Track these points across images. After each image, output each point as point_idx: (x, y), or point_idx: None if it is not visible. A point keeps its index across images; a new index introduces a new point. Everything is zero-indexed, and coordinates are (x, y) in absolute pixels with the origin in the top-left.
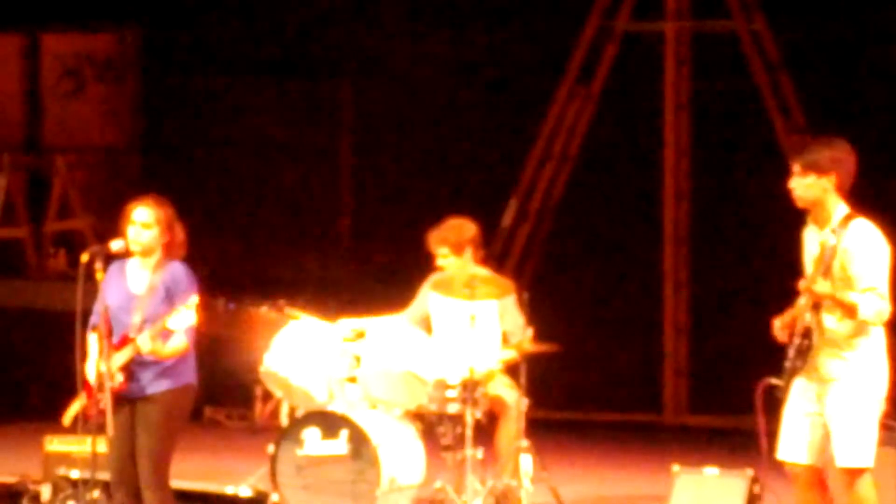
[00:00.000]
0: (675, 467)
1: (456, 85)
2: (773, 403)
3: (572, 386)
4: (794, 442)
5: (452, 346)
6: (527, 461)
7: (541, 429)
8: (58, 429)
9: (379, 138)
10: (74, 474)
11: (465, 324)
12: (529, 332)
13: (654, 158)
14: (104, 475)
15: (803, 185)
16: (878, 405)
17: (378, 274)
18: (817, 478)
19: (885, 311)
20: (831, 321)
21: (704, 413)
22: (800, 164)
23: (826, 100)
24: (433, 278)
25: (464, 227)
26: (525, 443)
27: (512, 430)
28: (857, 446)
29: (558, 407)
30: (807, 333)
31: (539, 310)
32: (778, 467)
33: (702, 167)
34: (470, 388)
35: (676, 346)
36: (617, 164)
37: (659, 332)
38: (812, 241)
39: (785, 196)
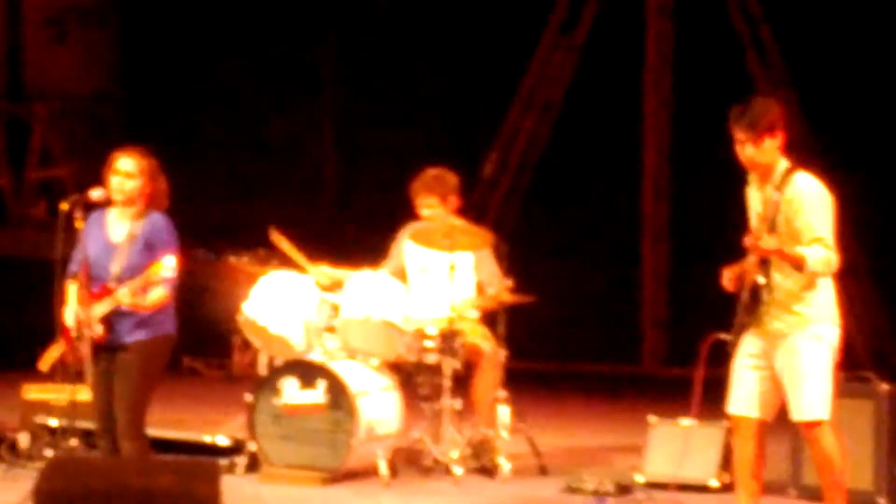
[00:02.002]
0: (652, 418)
1: (439, 36)
2: (722, 357)
3: (550, 337)
4: (742, 396)
5: (430, 296)
6: (504, 412)
7: (518, 379)
8: (36, 377)
9: (362, 88)
10: (53, 422)
11: (443, 274)
12: (508, 283)
13: (635, 110)
14: (83, 423)
15: (761, 152)
16: (831, 357)
17: (361, 223)
18: (761, 431)
19: (833, 261)
20: (780, 277)
21: (682, 364)
22: (752, 131)
23: (807, 53)
24: (411, 228)
25: (447, 177)
26: (502, 393)
27: (489, 380)
28: (811, 400)
29: (536, 358)
30: (755, 289)
31: (518, 261)
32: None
33: (683, 119)
34: (448, 338)
35: (655, 298)
36: (598, 116)
37: (638, 283)
38: (755, 198)
39: None
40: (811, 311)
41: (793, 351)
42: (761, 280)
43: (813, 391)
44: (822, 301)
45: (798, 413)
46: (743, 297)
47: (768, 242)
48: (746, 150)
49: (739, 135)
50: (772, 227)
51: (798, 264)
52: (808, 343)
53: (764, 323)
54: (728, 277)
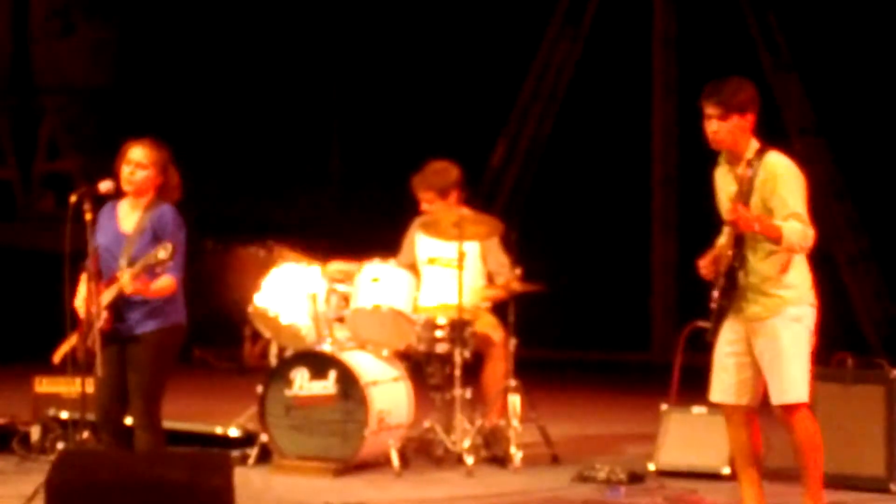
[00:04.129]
0: (664, 406)
1: (446, 25)
2: (704, 345)
3: (560, 325)
4: (724, 384)
5: (440, 286)
6: (515, 401)
7: (529, 368)
8: (47, 370)
9: (368, 78)
10: (64, 415)
11: (452, 263)
12: (517, 271)
13: (642, 98)
14: (93, 416)
15: (727, 129)
16: (808, 339)
17: (367, 214)
18: (749, 417)
19: (809, 235)
20: (754, 260)
21: (693, 352)
22: (721, 106)
23: (812, 40)
24: (420, 220)
25: (448, 171)
26: (513, 382)
27: (500, 369)
28: (791, 383)
29: (546, 346)
30: (731, 273)
31: (527, 249)
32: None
33: (689, 107)
34: (458, 327)
35: (664, 286)
36: (605, 104)
37: (647, 271)
38: (726, 179)
39: (771, 133)
40: (788, 292)
41: (772, 334)
42: (736, 262)
43: (793, 374)
44: (798, 282)
45: (778, 396)
46: (719, 282)
47: (747, 214)
48: (711, 125)
49: (708, 109)
50: (745, 206)
51: (776, 237)
52: (787, 326)
53: (741, 308)
54: (703, 265)
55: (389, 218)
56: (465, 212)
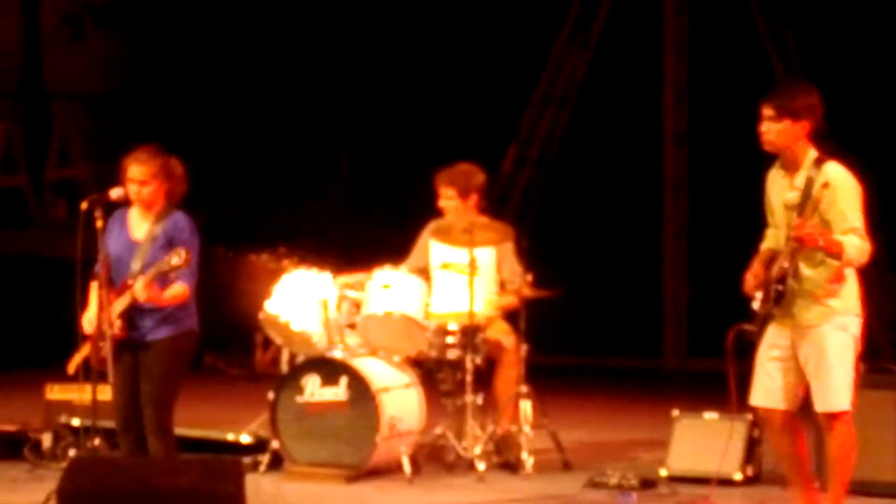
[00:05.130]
0: (675, 412)
1: (456, 33)
2: (747, 349)
3: (572, 331)
4: (766, 388)
5: (451, 292)
6: (526, 407)
7: (540, 374)
8: (59, 377)
9: (378, 86)
10: (75, 422)
11: (464, 270)
12: (529, 277)
13: (653, 103)
14: (105, 423)
15: (776, 130)
16: (853, 348)
17: (377, 222)
18: (790, 422)
19: (867, 250)
20: (806, 268)
21: (704, 357)
22: (775, 109)
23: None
24: (432, 225)
25: (474, 174)
26: (524, 388)
27: (511, 375)
28: (836, 391)
29: (558, 352)
30: (782, 279)
31: (539, 256)
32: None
33: (701, 112)
34: (470, 334)
35: (676, 292)
36: (616, 110)
37: (659, 277)
38: (781, 185)
39: None
40: (838, 302)
41: (820, 341)
42: (789, 270)
43: (839, 382)
44: (848, 293)
45: (824, 404)
46: (771, 287)
47: (813, 230)
48: (763, 126)
49: (763, 110)
50: (801, 216)
51: (837, 253)
52: (835, 334)
53: (791, 314)
54: (751, 278)
55: (399, 225)
56: (479, 218)
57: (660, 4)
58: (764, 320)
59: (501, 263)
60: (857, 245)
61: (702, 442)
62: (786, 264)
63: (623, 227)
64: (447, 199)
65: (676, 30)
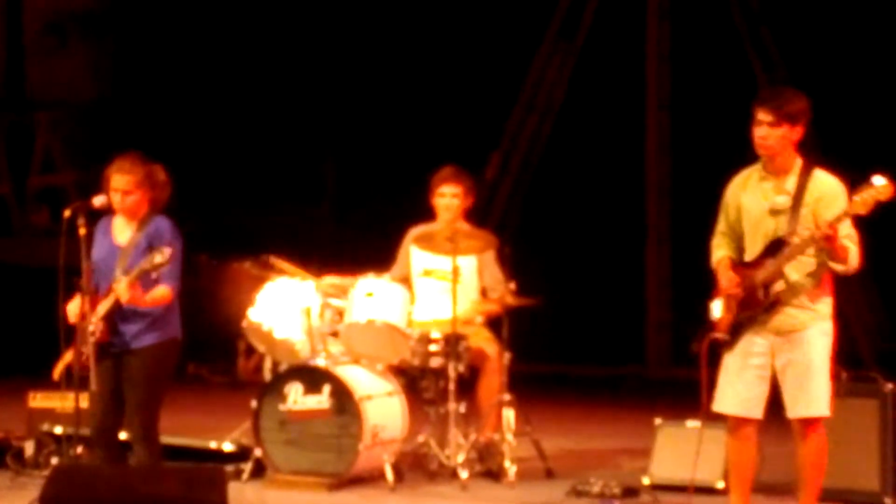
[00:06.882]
0: (658, 420)
1: (439, 39)
2: (715, 357)
3: (555, 339)
4: (741, 396)
5: (434, 300)
6: (509, 415)
7: (523, 382)
8: (41, 385)
9: (362, 94)
10: (58, 430)
11: (446, 277)
12: (511, 285)
13: (636, 112)
14: (88, 430)
15: (776, 135)
16: (829, 355)
17: (362, 229)
18: (754, 430)
19: (857, 257)
20: (794, 273)
21: (687, 366)
22: (774, 114)
23: (806, 53)
24: (413, 232)
25: (472, 177)
26: (507, 396)
27: (494, 383)
28: (818, 396)
29: (541, 360)
30: (767, 286)
31: (521, 263)
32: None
33: (684, 119)
34: (452, 342)
35: (658, 299)
36: (599, 119)
37: (641, 285)
38: (762, 190)
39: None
40: (821, 307)
41: (804, 346)
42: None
43: (821, 387)
44: (828, 298)
45: (805, 409)
46: (758, 293)
47: (834, 230)
48: (761, 131)
49: (760, 115)
50: (793, 221)
51: (843, 258)
52: (821, 339)
53: (770, 320)
54: (730, 286)
55: (384, 233)
56: (462, 226)
57: (642, 11)
58: (738, 328)
59: (483, 271)
60: (854, 252)
61: (684, 450)
62: (779, 270)
63: (606, 235)
64: (452, 196)
65: (658, 36)
